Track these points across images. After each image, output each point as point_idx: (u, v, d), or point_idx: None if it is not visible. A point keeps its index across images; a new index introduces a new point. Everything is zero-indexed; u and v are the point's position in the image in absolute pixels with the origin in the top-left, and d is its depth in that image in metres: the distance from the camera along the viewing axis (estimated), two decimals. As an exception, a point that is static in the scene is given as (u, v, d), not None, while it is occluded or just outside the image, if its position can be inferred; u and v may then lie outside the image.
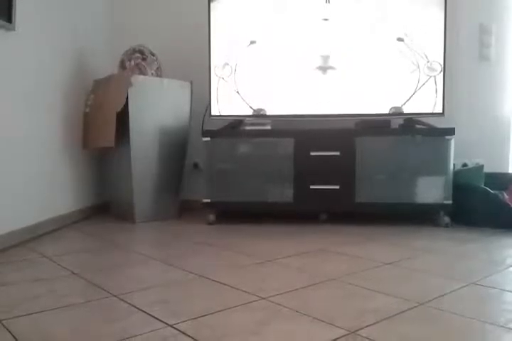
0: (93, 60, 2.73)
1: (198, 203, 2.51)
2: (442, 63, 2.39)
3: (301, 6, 2.47)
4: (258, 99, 2.52)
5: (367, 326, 1.06)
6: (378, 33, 2.43)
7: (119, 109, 2.31)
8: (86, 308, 1.18)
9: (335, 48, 2.45)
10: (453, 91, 2.62)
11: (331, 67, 2.43)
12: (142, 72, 2.46)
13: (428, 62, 2.37)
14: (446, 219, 2.27)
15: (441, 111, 2.42)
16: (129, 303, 1.21)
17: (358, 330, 1.03)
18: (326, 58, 2.42)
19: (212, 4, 2.52)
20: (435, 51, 2.40)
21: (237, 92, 2.52)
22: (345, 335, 1.01)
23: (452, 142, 2.26)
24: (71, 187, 2.44)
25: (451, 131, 2.25)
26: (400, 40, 2.37)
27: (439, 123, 2.41)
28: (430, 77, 2.39)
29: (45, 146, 2.17)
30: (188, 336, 1.00)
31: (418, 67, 2.38)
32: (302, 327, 1.06)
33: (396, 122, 2.50)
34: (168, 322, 1.08)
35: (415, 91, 2.42)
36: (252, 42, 2.48)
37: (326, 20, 2.43)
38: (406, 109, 2.44)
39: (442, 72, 2.39)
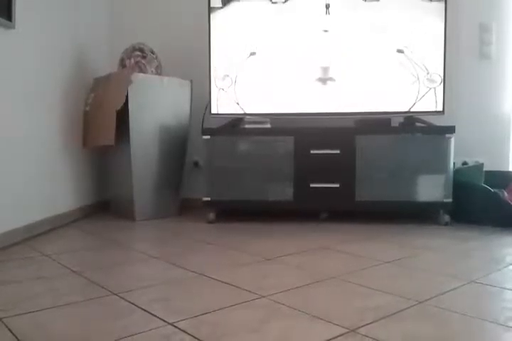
0: (93, 58, 2.73)
1: (198, 201, 2.51)
2: (442, 73, 2.39)
3: (301, 17, 2.47)
4: (258, 109, 2.52)
5: (366, 324, 1.06)
6: (378, 44, 2.43)
7: (119, 108, 2.31)
8: (86, 306, 1.18)
9: (335, 59, 2.44)
10: (453, 89, 2.62)
11: (330, 79, 2.43)
12: (142, 71, 2.46)
13: (428, 73, 2.37)
14: (446, 218, 2.28)
15: (441, 110, 2.42)
16: (129, 301, 1.21)
17: (357, 328, 1.03)
18: (325, 69, 2.42)
19: (212, 15, 2.52)
20: (435, 61, 2.39)
21: (237, 104, 2.52)
22: (344, 333, 1.01)
23: (452, 140, 2.25)
24: (71, 186, 2.44)
25: (451, 129, 2.25)
26: (399, 51, 2.38)
27: (439, 122, 2.42)
28: (430, 88, 2.39)
29: (45, 145, 2.17)
30: (189, 334, 1.01)
31: (418, 78, 2.38)
32: (302, 325, 1.06)
33: (396, 120, 2.50)
34: (168, 320, 1.09)
35: (415, 103, 2.42)
36: (252, 54, 2.48)
37: (325, 31, 2.43)
38: (406, 108, 2.44)
39: (443, 81, 2.39)
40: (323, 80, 2.44)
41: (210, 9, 2.52)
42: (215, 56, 2.52)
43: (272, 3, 2.49)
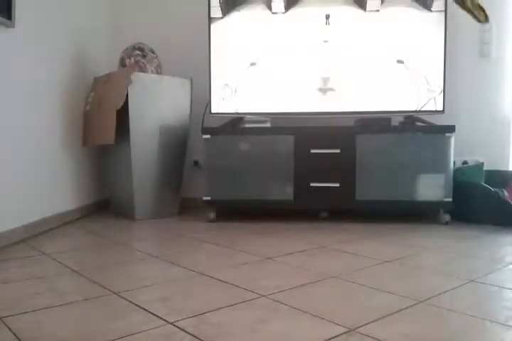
0: (93, 57, 2.72)
1: (198, 201, 2.51)
2: (442, 81, 2.40)
3: (301, 27, 2.47)
4: (259, 108, 2.52)
5: (366, 323, 1.06)
6: (378, 54, 2.43)
7: (119, 107, 2.30)
8: (86, 306, 1.18)
9: (335, 70, 2.45)
10: (453, 88, 2.62)
11: (331, 89, 2.43)
12: (142, 70, 2.46)
13: (428, 83, 2.37)
14: (446, 217, 2.28)
15: (441, 109, 2.42)
16: (129, 301, 1.21)
17: (357, 328, 1.03)
18: (326, 80, 2.42)
19: (212, 25, 2.52)
20: (435, 70, 2.40)
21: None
22: (344, 333, 1.01)
23: (452, 139, 2.25)
24: (71, 185, 2.44)
25: (451, 129, 2.25)
26: (399, 62, 2.38)
27: (440, 121, 2.41)
28: (430, 99, 2.40)
29: (45, 144, 2.17)
30: (189, 333, 1.01)
31: (418, 89, 2.39)
32: (302, 324, 1.06)
33: (396, 120, 2.50)
34: (168, 319, 1.09)
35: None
36: (252, 64, 2.48)
37: (326, 42, 2.43)
38: (406, 107, 2.44)
39: (443, 84, 2.40)
40: (324, 90, 2.44)
41: (211, 19, 2.52)
42: (214, 65, 2.52)
43: (272, 13, 2.49)
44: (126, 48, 2.52)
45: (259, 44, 2.51)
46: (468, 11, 1.24)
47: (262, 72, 2.50)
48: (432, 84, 2.38)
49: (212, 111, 2.55)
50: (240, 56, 2.51)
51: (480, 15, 1.22)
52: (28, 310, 1.15)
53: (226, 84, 2.50)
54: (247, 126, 2.41)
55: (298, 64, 2.48)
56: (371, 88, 2.45)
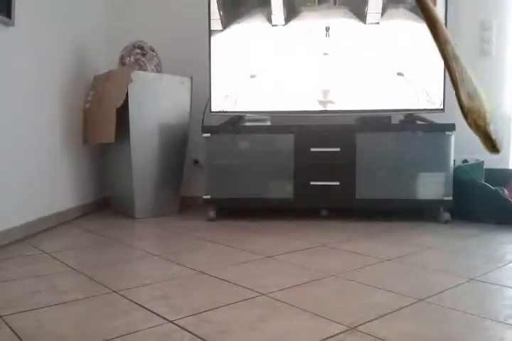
0: (93, 55, 2.72)
1: (198, 199, 2.51)
2: (442, 91, 2.39)
3: (301, 40, 2.46)
4: (259, 107, 2.51)
5: (367, 322, 1.06)
6: (378, 67, 2.43)
7: (119, 105, 2.30)
8: (86, 304, 1.18)
9: (335, 82, 2.44)
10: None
11: (330, 102, 2.43)
12: (142, 68, 2.46)
13: (428, 95, 2.37)
14: (446, 215, 2.27)
15: (441, 108, 2.41)
16: (129, 299, 1.21)
17: (357, 326, 1.03)
18: (326, 92, 2.42)
19: (212, 38, 2.51)
20: (435, 84, 2.39)
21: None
22: (344, 331, 1.01)
23: (453, 138, 2.25)
24: (71, 184, 2.44)
25: (451, 127, 2.25)
26: (399, 74, 2.38)
27: (440, 120, 2.41)
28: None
29: (45, 143, 2.16)
30: (189, 332, 1.01)
31: (418, 100, 2.39)
32: (302, 322, 1.06)
33: (396, 118, 2.49)
34: (168, 318, 1.09)
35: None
36: (252, 77, 2.47)
37: (325, 54, 2.42)
38: (406, 105, 2.43)
39: (443, 87, 2.38)
40: (324, 103, 2.44)
41: (211, 32, 2.51)
42: (214, 77, 2.51)
43: (272, 26, 2.48)
44: (126, 47, 2.51)
45: (259, 57, 2.50)
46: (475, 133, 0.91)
47: (262, 85, 2.49)
48: (432, 96, 2.38)
49: (213, 110, 2.55)
50: (240, 68, 2.51)
51: (486, 144, 0.94)
52: (28, 309, 1.15)
53: (226, 96, 2.50)
54: (247, 124, 2.40)
55: (298, 76, 2.47)
56: (371, 101, 2.44)
